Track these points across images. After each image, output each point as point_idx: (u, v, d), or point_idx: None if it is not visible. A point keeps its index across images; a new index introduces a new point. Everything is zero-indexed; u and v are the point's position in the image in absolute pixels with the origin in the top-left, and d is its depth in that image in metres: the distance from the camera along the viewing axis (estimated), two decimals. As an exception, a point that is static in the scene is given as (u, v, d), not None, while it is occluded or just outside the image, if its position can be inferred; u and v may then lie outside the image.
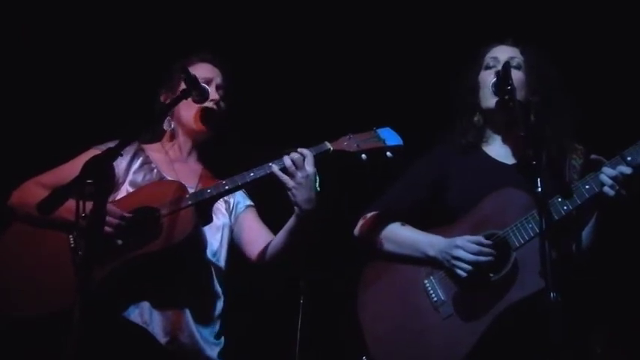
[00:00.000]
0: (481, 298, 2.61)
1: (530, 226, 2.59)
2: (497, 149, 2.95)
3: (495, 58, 2.92)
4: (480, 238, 2.65)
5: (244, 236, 2.96)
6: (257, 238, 2.92)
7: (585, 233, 2.71)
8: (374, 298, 2.83)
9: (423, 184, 2.94)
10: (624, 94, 4.02)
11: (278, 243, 2.83)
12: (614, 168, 2.56)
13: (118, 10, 4.18)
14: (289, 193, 2.68)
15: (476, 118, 2.95)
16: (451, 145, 2.97)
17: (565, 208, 2.58)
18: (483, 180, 2.82)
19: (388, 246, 2.88)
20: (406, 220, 2.92)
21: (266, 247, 2.87)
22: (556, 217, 2.57)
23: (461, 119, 2.98)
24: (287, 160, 2.68)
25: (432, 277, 2.75)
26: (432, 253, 2.75)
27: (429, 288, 2.73)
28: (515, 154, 2.92)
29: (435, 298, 2.71)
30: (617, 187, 2.53)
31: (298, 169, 2.66)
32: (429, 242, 2.78)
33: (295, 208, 2.70)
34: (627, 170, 2.54)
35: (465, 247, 2.64)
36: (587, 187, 2.59)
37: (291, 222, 2.76)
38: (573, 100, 2.89)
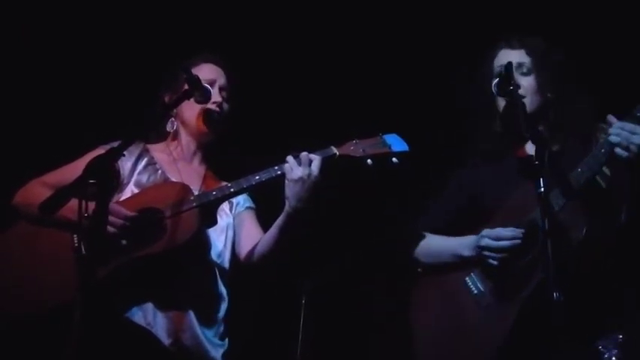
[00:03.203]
0: (517, 281, 2.62)
1: (556, 200, 2.56)
2: (526, 150, 2.90)
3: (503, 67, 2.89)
4: (506, 229, 2.66)
5: (238, 235, 2.96)
6: (250, 238, 2.92)
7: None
8: (423, 309, 2.87)
9: (459, 200, 2.95)
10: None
11: (265, 239, 2.83)
12: (621, 125, 2.52)
13: (124, 8, 4.18)
14: (285, 183, 2.69)
15: (495, 124, 2.93)
16: (479, 155, 2.96)
17: (584, 175, 2.55)
18: (511, 180, 2.79)
19: (428, 260, 2.91)
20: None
21: (255, 246, 2.87)
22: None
23: (480, 128, 2.96)
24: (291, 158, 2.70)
25: (472, 274, 2.76)
26: (466, 253, 2.77)
27: (470, 283, 2.75)
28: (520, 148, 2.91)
29: (476, 291, 2.72)
30: (626, 143, 2.49)
31: (302, 165, 2.66)
32: (461, 244, 2.80)
33: (286, 201, 2.71)
34: (633, 124, 2.51)
35: (489, 236, 2.66)
36: (602, 150, 2.56)
37: (279, 218, 2.77)
38: (586, 87, 2.87)
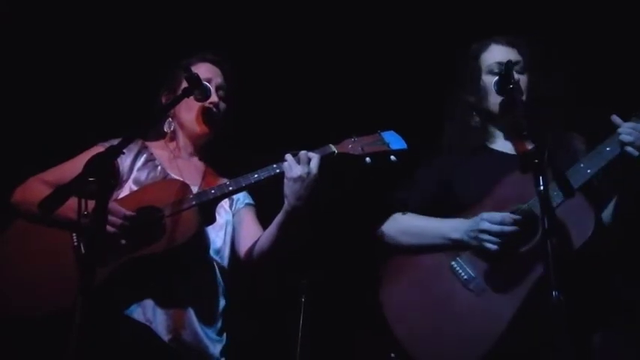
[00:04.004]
0: (514, 270, 2.60)
1: (555, 193, 2.53)
2: (504, 144, 2.96)
3: (500, 64, 2.88)
4: (506, 214, 2.64)
5: (238, 232, 2.97)
6: (250, 235, 2.93)
7: (606, 214, 2.72)
8: (397, 292, 2.78)
9: (434, 184, 2.94)
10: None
11: (265, 237, 2.84)
12: (633, 126, 2.55)
13: (123, 7, 4.19)
14: (284, 182, 2.69)
15: (475, 120, 2.96)
16: (455, 148, 2.96)
17: (588, 171, 2.57)
18: (493, 173, 2.81)
19: (407, 239, 2.85)
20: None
21: (254, 243, 2.88)
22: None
23: (459, 121, 2.98)
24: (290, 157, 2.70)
25: (458, 258, 2.72)
26: (456, 236, 2.73)
27: (458, 268, 2.70)
28: (519, 146, 2.94)
29: (466, 276, 2.67)
30: (639, 143, 2.53)
31: (301, 164, 2.67)
32: (451, 227, 2.76)
33: (285, 200, 2.72)
34: None
35: (490, 219, 2.64)
36: (607, 148, 2.58)
37: (279, 216, 2.78)
38: (574, 88, 2.91)
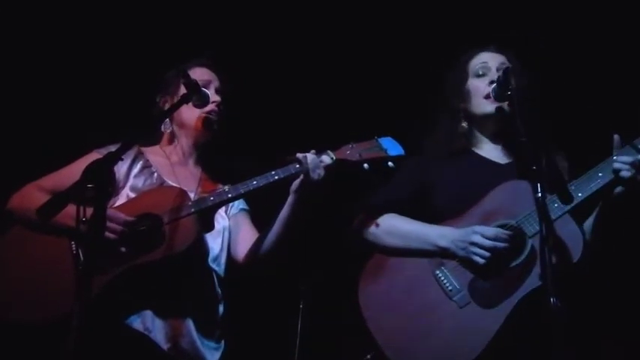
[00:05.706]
0: (500, 285, 2.60)
1: (556, 205, 2.58)
2: (489, 151, 2.96)
3: (486, 65, 2.94)
4: (499, 229, 2.65)
5: (235, 237, 2.96)
6: (248, 239, 2.92)
7: (587, 226, 2.73)
8: (378, 294, 2.76)
9: (412, 184, 2.92)
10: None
11: (269, 237, 2.84)
12: (628, 155, 2.58)
13: (119, 13, 4.20)
14: (301, 179, 2.72)
15: (462, 124, 2.97)
16: (438, 151, 2.95)
17: (580, 194, 2.59)
18: (476, 178, 2.82)
19: (391, 240, 2.83)
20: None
21: (255, 245, 2.88)
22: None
23: (446, 126, 2.99)
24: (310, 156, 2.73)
25: (443, 268, 2.71)
26: (443, 243, 2.72)
27: (442, 278, 2.69)
28: (507, 154, 2.95)
29: (450, 287, 2.66)
30: (634, 172, 2.55)
31: (317, 167, 2.70)
32: (439, 233, 2.75)
33: (294, 195, 2.76)
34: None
35: (483, 233, 2.63)
36: (600, 174, 2.60)
37: (284, 213, 2.80)
38: (552, 105, 2.94)
